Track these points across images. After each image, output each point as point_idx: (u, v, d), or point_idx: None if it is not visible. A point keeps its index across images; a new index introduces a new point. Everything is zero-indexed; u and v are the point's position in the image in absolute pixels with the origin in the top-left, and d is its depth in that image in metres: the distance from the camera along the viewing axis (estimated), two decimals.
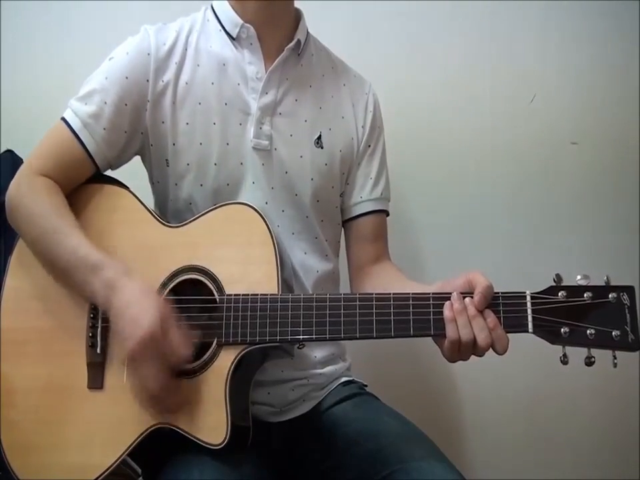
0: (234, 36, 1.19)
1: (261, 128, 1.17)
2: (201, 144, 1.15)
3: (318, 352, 1.21)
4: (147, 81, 1.14)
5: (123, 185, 1.16)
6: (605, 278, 0.95)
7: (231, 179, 1.16)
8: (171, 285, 1.06)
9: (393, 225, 1.34)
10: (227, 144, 1.16)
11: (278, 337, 1.01)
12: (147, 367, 0.96)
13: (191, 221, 1.11)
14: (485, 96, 1.70)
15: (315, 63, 1.26)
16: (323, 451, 1.13)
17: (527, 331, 0.96)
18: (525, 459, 1.71)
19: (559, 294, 0.95)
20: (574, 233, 1.70)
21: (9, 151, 1.47)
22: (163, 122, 1.15)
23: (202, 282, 1.05)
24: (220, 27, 1.20)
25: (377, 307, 0.99)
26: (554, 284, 0.96)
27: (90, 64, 1.18)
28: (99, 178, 1.16)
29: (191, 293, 1.06)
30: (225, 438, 0.97)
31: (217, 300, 1.03)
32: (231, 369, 1.00)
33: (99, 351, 1.05)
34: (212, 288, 1.04)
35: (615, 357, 0.93)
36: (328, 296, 1.01)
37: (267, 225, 1.06)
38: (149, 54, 1.15)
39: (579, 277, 0.95)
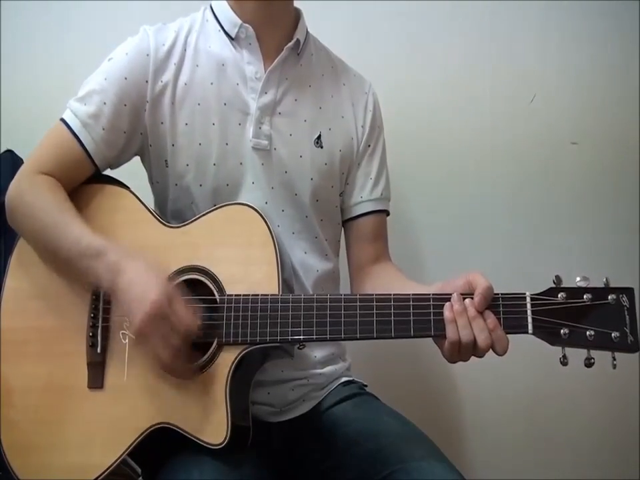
0: (233, 36, 1.19)
1: (260, 128, 1.17)
2: (200, 144, 1.15)
3: (318, 352, 1.21)
4: (146, 81, 1.14)
5: (123, 185, 1.16)
6: (605, 279, 0.95)
7: (230, 179, 1.16)
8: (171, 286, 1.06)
9: (393, 224, 1.34)
10: (226, 144, 1.16)
11: (278, 337, 1.01)
12: (157, 338, 0.96)
13: (191, 221, 1.11)
14: (484, 96, 1.70)
15: (315, 63, 1.26)
16: (323, 450, 1.13)
17: (527, 332, 0.96)
18: (525, 459, 1.71)
19: (559, 295, 0.95)
20: (574, 233, 1.70)
21: (9, 151, 1.47)
22: (162, 122, 1.15)
23: (202, 282, 1.05)
24: (219, 27, 1.20)
25: (378, 307, 0.99)
26: (554, 285, 0.96)
27: (90, 64, 1.18)
28: (100, 178, 1.16)
29: (191, 293, 1.06)
30: (225, 438, 0.97)
31: (218, 300, 1.03)
32: (231, 369, 1.00)
33: (99, 350, 1.05)
34: (212, 288, 1.04)
35: (614, 359, 0.93)
36: (328, 296, 1.01)
37: (267, 225, 1.06)
38: (148, 54, 1.15)
39: (578, 279, 0.95)
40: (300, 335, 1.00)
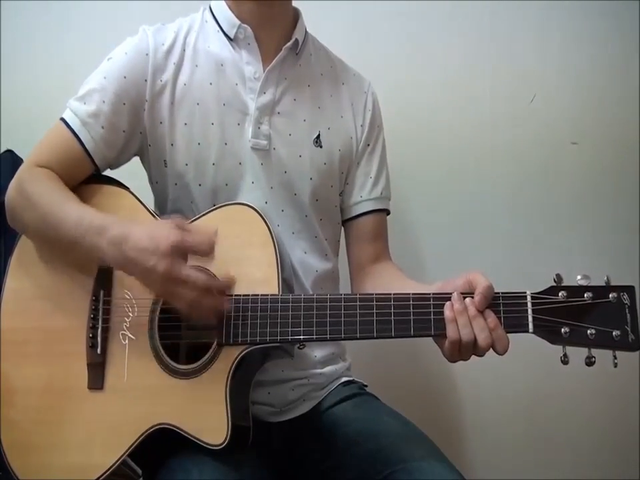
0: (231, 36, 1.19)
1: (259, 128, 1.17)
2: (199, 144, 1.15)
3: (318, 352, 1.21)
4: (145, 80, 1.14)
5: (123, 185, 1.16)
6: (605, 278, 0.95)
7: (229, 179, 1.16)
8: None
9: (393, 224, 1.34)
10: (225, 144, 1.16)
11: (278, 337, 1.01)
12: (185, 268, 0.95)
13: (191, 222, 1.10)
14: (485, 96, 1.70)
15: (314, 63, 1.26)
16: (323, 450, 1.13)
17: (528, 331, 0.96)
18: (525, 459, 1.71)
19: (559, 294, 0.95)
20: (574, 233, 1.70)
21: (9, 151, 1.47)
22: (161, 122, 1.15)
23: None
24: (218, 28, 1.20)
25: (378, 307, 0.99)
26: (554, 284, 0.96)
27: (90, 64, 1.18)
28: (99, 178, 1.16)
29: None
30: (225, 438, 0.97)
31: None
32: (231, 370, 1.00)
33: (99, 351, 1.05)
34: None
35: (615, 357, 0.93)
36: (328, 296, 1.01)
37: (267, 225, 1.06)
38: (147, 54, 1.15)
39: (579, 277, 0.95)
40: (300, 335, 1.00)
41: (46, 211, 1.06)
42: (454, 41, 1.70)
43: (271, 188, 1.18)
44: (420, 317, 0.98)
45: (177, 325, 1.05)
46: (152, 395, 1.02)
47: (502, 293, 0.97)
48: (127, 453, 1.01)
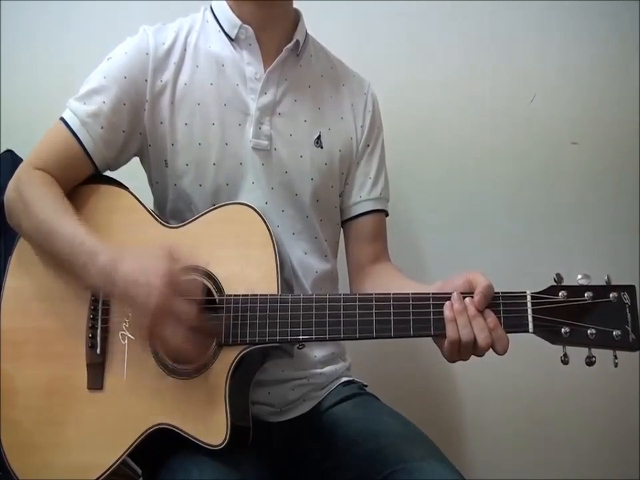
0: (233, 37, 1.19)
1: (260, 128, 1.17)
2: (199, 144, 1.15)
3: (318, 352, 1.21)
4: (145, 80, 1.14)
5: (122, 185, 1.16)
6: (606, 277, 0.95)
7: (230, 179, 1.16)
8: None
9: (393, 224, 1.34)
10: (226, 144, 1.16)
11: (278, 338, 1.01)
12: (170, 324, 0.94)
13: (190, 221, 1.11)
14: (485, 96, 1.70)
15: (314, 64, 1.26)
16: (323, 450, 1.13)
17: (528, 331, 0.96)
18: (525, 459, 1.71)
19: (560, 294, 0.95)
20: (574, 233, 1.70)
21: (9, 151, 1.47)
22: (161, 122, 1.15)
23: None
24: (219, 28, 1.20)
25: (377, 307, 0.99)
26: (554, 284, 0.96)
27: (90, 64, 1.18)
28: (99, 179, 1.16)
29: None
30: (225, 438, 0.97)
31: (217, 300, 1.03)
32: (231, 370, 1.00)
33: (98, 351, 1.05)
34: (211, 288, 1.04)
35: (615, 357, 0.93)
36: (328, 296, 1.01)
37: (266, 225, 1.06)
38: (147, 54, 1.15)
39: (579, 277, 0.95)
40: (299, 335, 1.00)
41: (41, 221, 1.06)
42: (454, 41, 1.70)
43: (272, 188, 1.18)
44: (419, 316, 0.98)
45: None
46: (151, 395, 1.02)
47: (502, 292, 0.97)
48: (127, 453, 1.01)
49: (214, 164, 1.15)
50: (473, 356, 0.98)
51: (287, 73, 1.21)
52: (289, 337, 1.01)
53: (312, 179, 1.20)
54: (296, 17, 1.24)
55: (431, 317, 0.97)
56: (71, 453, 1.03)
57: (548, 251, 1.68)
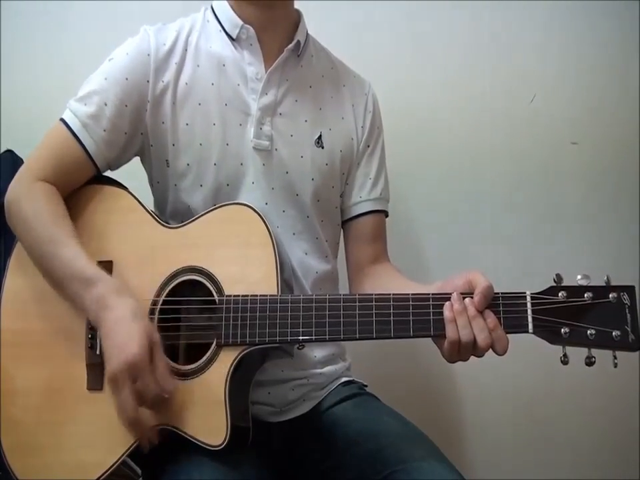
0: (234, 37, 1.19)
1: (261, 128, 1.17)
2: (200, 144, 1.15)
3: (318, 352, 1.21)
4: (147, 81, 1.14)
5: (122, 185, 1.15)
6: (605, 278, 0.95)
7: (230, 180, 1.16)
8: (170, 286, 1.06)
9: (393, 224, 1.34)
10: (227, 144, 1.16)
11: (277, 338, 1.01)
12: (125, 392, 0.94)
13: (190, 222, 1.10)
14: (484, 96, 1.70)
15: (315, 64, 1.26)
16: (323, 451, 1.13)
17: (527, 332, 0.96)
18: (525, 459, 1.71)
19: (559, 294, 0.95)
20: (574, 233, 1.70)
21: (9, 151, 1.46)
22: (162, 122, 1.15)
23: (201, 283, 1.05)
24: (220, 28, 1.20)
25: (377, 307, 0.99)
26: (554, 284, 0.96)
27: (90, 64, 1.17)
28: (99, 179, 1.16)
29: (190, 294, 1.06)
30: (225, 439, 0.97)
31: (217, 301, 1.03)
32: (231, 370, 1.00)
33: (98, 352, 1.05)
34: (211, 289, 1.04)
35: (615, 357, 0.93)
36: (327, 297, 1.01)
37: (266, 225, 1.06)
38: (148, 54, 1.15)
39: (579, 277, 0.95)
40: (299, 336, 1.00)
41: (40, 240, 1.05)
42: (454, 41, 1.70)
43: (272, 189, 1.18)
44: (419, 317, 0.97)
45: (176, 325, 1.05)
46: None
47: (502, 293, 0.97)
48: (127, 453, 1.01)
49: (215, 164, 1.15)
50: (472, 356, 0.98)
51: (288, 74, 1.21)
52: (288, 338, 1.00)
53: (313, 179, 1.20)
54: (297, 18, 1.24)
55: (431, 317, 0.97)
56: (70, 453, 1.03)
57: (548, 251, 1.68)
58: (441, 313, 0.97)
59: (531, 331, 0.95)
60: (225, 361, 1.00)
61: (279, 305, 1.01)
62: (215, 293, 1.04)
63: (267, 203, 1.17)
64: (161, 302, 1.05)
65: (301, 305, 1.01)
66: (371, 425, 1.13)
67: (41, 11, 1.64)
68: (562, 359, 0.94)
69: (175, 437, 0.99)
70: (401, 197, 1.53)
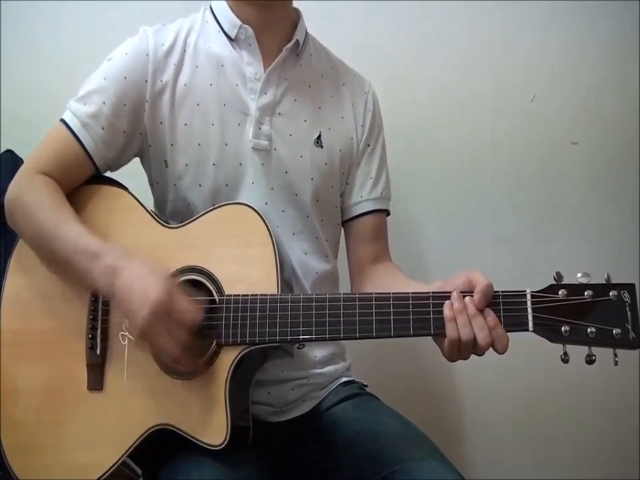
0: (232, 37, 1.19)
1: (260, 128, 1.17)
2: (199, 145, 1.15)
3: (318, 352, 1.21)
4: (146, 81, 1.14)
5: (122, 185, 1.16)
6: (606, 276, 0.94)
7: (229, 180, 1.16)
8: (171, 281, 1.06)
9: (394, 224, 1.34)
10: (226, 145, 1.16)
11: (278, 337, 1.01)
12: (163, 336, 0.95)
13: (190, 222, 1.10)
14: (484, 96, 1.70)
15: (314, 63, 1.26)
16: (323, 450, 1.13)
17: (528, 330, 0.95)
18: (525, 458, 1.71)
19: (560, 292, 0.95)
20: (574, 232, 1.70)
21: (9, 151, 1.47)
22: (161, 122, 1.15)
23: (201, 283, 1.05)
24: (218, 28, 1.20)
25: (377, 306, 0.99)
26: (554, 282, 0.96)
27: (90, 64, 1.18)
28: (98, 179, 1.16)
29: (190, 294, 1.06)
30: (225, 439, 0.97)
31: (217, 300, 1.03)
32: (231, 370, 1.00)
33: (98, 352, 1.05)
34: (211, 288, 1.04)
35: (615, 355, 0.93)
36: (327, 296, 1.01)
37: (266, 225, 1.06)
38: (147, 54, 1.15)
39: (579, 275, 0.95)
40: (299, 335, 1.00)
41: (42, 225, 1.06)
42: (454, 41, 1.70)
43: (272, 189, 1.17)
44: (419, 316, 0.97)
45: None
46: (151, 396, 1.02)
47: (502, 291, 0.97)
48: (127, 454, 1.01)
49: (213, 164, 1.15)
50: (473, 355, 0.97)
51: (287, 73, 1.21)
52: (288, 337, 1.00)
53: (312, 179, 1.20)
54: (296, 17, 1.24)
55: (431, 316, 0.97)
56: (71, 453, 1.03)
57: (548, 250, 1.68)
58: (441, 312, 0.97)
59: (531, 329, 0.95)
60: (225, 360, 1.00)
61: (279, 304, 1.01)
62: (215, 293, 1.04)
63: (266, 203, 1.17)
64: None
65: (301, 304, 1.01)
66: (371, 425, 1.13)
67: (41, 11, 1.64)
68: (562, 357, 0.94)
69: (175, 436, 0.99)
70: (401, 196, 1.53)
